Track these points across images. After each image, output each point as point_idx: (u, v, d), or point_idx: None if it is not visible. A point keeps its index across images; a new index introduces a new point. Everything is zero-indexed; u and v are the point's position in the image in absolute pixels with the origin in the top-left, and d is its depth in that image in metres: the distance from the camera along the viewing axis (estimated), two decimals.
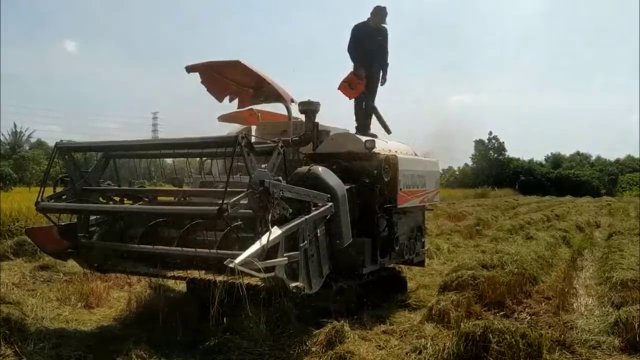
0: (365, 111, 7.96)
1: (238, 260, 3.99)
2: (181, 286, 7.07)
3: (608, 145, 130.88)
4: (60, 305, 6.37)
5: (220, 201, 4.27)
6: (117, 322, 5.97)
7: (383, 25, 7.94)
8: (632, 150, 75.44)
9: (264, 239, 4.22)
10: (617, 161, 71.59)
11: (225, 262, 3.96)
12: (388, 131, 8.04)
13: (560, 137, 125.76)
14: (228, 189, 4.67)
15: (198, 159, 6.47)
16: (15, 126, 54.55)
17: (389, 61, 8.10)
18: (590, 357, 5.02)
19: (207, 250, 4.76)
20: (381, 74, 8.03)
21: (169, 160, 6.44)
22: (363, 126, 7.87)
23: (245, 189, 4.42)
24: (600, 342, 5.37)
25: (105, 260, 5.56)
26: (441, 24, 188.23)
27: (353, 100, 7.91)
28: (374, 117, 8.08)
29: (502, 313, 6.26)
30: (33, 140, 56.20)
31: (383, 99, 8.22)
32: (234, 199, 4.24)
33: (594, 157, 73.70)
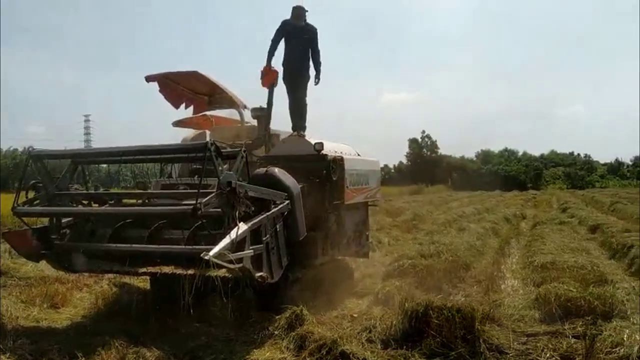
0: (298, 109, 7.87)
1: (212, 252, 4.43)
2: (144, 284, 7.41)
3: (535, 141, 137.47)
4: (27, 307, 6.53)
5: (194, 201, 4.71)
6: (87, 319, 6.26)
7: (308, 23, 7.86)
8: (555, 145, 79.71)
9: (233, 234, 4.69)
10: (542, 156, 75.32)
11: (201, 255, 4.37)
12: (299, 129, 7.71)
13: (490, 135, 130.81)
14: (188, 190, 5.09)
15: (158, 164, 6.86)
16: None
17: (321, 60, 7.90)
18: (515, 328, 5.71)
19: (181, 246, 5.16)
20: (314, 73, 7.90)
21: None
22: (299, 126, 7.83)
23: (205, 190, 4.83)
24: (523, 316, 6.13)
25: (77, 260, 5.86)
26: (374, 20, 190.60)
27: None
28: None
29: (440, 296, 6.94)
30: None
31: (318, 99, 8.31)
32: (206, 198, 4.68)
33: (520, 153, 77.28)
